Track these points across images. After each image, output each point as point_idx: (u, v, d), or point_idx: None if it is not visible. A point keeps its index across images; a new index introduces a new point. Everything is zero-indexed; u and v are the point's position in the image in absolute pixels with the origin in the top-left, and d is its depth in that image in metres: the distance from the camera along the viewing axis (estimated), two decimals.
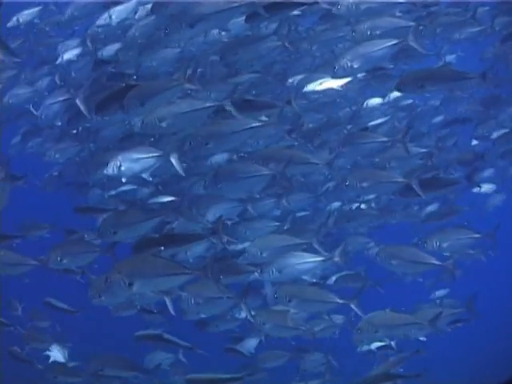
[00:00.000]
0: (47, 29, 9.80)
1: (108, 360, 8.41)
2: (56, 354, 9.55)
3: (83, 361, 8.87)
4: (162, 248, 7.04)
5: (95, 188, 9.72)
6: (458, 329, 9.78)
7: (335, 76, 7.97)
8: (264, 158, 7.67)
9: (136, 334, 9.07)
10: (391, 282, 11.29)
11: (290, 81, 9.30)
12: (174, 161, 7.05)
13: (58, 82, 9.61)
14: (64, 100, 8.67)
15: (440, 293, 12.01)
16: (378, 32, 7.80)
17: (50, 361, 9.49)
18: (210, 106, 7.04)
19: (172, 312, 7.44)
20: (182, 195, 7.66)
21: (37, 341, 9.18)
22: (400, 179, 8.17)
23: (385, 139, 8.33)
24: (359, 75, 9.10)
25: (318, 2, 7.82)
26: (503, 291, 17.49)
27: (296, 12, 8.16)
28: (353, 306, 7.69)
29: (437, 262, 7.87)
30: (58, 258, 7.44)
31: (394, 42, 7.59)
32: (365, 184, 8.20)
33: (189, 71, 6.79)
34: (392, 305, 10.98)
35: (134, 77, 8.55)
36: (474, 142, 12.08)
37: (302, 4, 7.78)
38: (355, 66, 7.65)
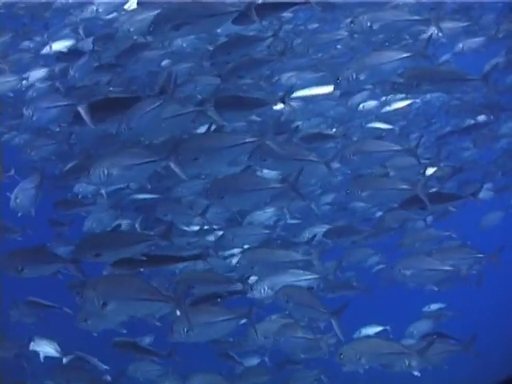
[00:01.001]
0: (21, 12, 9.04)
1: (73, 372, 7.83)
2: (45, 348, 8.90)
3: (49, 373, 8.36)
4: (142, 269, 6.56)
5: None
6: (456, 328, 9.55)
7: (337, 88, 7.27)
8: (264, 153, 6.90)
9: (114, 340, 8.43)
10: (386, 293, 10.87)
11: (278, 78, 8.70)
12: (173, 166, 6.20)
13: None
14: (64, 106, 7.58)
15: (435, 306, 11.48)
16: (378, 25, 7.11)
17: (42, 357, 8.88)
18: (191, 111, 6.46)
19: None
20: (169, 223, 6.87)
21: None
22: (405, 187, 7.36)
23: (398, 148, 7.45)
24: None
25: (309, 2, 7.05)
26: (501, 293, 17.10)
27: (287, 14, 7.58)
28: (333, 322, 7.09)
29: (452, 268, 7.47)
30: (19, 267, 6.69)
31: (405, 54, 6.82)
32: (367, 192, 7.47)
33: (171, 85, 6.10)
34: (386, 316, 10.66)
35: (110, 88, 7.99)
36: (467, 153, 11.58)
37: (294, 4, 7.06)
38: (361, 79, 6.87)
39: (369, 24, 7.16)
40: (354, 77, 6.83)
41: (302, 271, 7.27)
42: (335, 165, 7.59)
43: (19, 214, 7.88)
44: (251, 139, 6.49)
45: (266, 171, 8.04)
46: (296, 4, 7.01)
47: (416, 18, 7.21)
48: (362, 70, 6.81)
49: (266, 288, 7.26)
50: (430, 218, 10.14)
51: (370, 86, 9.17)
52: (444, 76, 7.04)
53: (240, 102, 7.06)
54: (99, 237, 6.70)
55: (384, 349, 6.92)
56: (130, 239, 6.37)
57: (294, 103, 7.79)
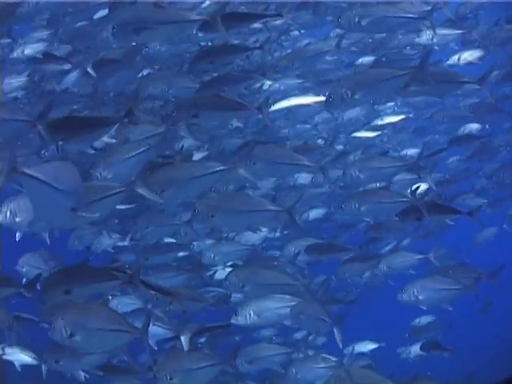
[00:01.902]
0: None
1: None
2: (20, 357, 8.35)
3: None
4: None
5: None
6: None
7: (328, 108, 6.70)
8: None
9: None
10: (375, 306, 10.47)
11: (259, 85, 8.16)
12: (143, 192, 5.51)
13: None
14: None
15: (424, 319, 10.97)
16: (367, 20, 6.44)
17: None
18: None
19: None
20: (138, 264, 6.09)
21: None
22: (405, 199, 6.88)
23: (401, 163, 7.09)
24: None
25: (281, 15, 6.76)
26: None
27: (257, 25, 7.11)
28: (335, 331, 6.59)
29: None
30: None
31: (402, 72, 6.10)
32: (364, 206, 6.96)
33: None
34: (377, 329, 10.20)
35: (75, 107, 7.54)
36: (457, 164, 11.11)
37: (265, 16, 6.81)
38: (356, 97, 6.14)
39: (357, 20, 6.49)
40: (349, 94, 6.17)
41: (288, 297, 6.79)
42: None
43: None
44: (222, 167, 5.90)
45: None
46: (267, 16, 6.74)
47: (409, 15, 6.55)
48: (357, 88, 6.14)
49: (252, 313, 6.74)
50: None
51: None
52: (436, 77, 6.16)
53: (219, 102, 6.52)
54: (68, 272, 5.83)
55: (368, 380, 6.45)
56: (100, 276, 5.68)
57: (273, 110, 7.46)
